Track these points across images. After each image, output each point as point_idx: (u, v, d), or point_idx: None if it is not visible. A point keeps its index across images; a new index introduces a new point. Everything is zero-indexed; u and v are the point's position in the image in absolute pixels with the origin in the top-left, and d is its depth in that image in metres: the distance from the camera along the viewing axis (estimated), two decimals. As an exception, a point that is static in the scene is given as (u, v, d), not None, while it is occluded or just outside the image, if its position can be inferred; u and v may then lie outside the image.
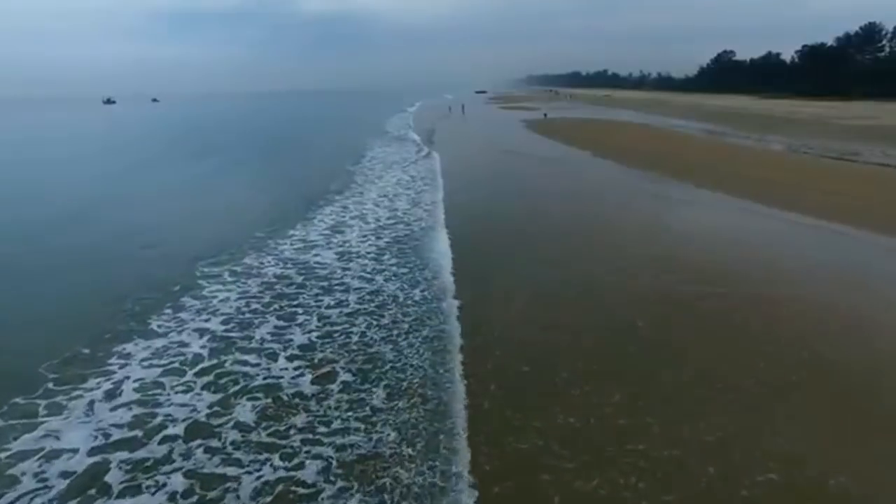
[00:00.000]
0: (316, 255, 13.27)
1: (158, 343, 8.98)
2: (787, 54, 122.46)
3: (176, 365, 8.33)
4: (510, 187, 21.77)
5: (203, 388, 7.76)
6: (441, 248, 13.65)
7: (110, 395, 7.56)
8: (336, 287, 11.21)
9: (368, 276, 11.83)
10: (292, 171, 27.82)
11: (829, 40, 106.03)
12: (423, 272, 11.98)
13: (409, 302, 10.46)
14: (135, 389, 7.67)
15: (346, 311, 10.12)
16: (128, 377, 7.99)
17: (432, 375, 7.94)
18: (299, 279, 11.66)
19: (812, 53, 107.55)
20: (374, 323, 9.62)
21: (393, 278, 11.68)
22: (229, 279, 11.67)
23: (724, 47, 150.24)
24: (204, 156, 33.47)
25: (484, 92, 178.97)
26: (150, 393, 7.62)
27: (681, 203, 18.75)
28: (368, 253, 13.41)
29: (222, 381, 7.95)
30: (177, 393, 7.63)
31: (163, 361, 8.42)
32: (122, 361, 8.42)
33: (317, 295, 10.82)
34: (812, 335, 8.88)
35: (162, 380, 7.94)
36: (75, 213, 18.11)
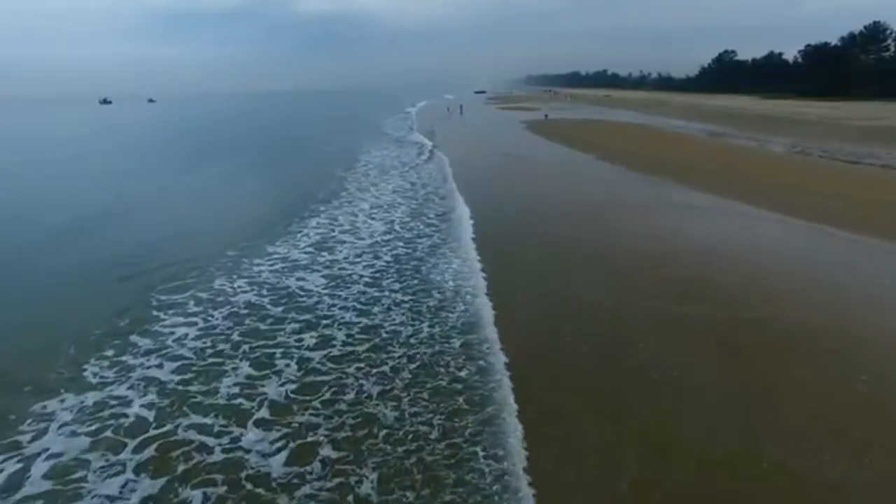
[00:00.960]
0: (299, 278, 11.38)
1: (91, 399, 7.14)
2: (789, 54, 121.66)
3: (109, 433, 6.49)
4: (509, 195, 19.97)
5: (140, 469, 5.94)
6: (454, 268, 11.83)
7: (11, 483, 5.72)
8: (322, 321, 9.35)
9: (362, 306, 9.96)
10: (278, 177, 25.67)
11: (829, 40, 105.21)
12: (428, 299, 10.18)
13: (415, 341, 8.64)
14: (45, 475, 5.82)
15: (333, 353, 8.31)
16: (42, 452, 6.16)
17: (443, 452, 6.12)
18: (277, 310, 9.80)
19: (815, 53, 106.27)
20: (370, 371, 7.81)
21: (393, 308, 9.86)
22: (193, 309, 9.80)
23: (723, 47, 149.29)
24: (186, 161, 31.63)
25: (483, 92, 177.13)
26: (65, 479, 5.78)
27: (701, 212, 16.90)
28: (362, 277, 11.51)
29: (168, 457, 6.13)
30: (103, 479, 5.80)
31: (92, 428, 6.58)
32: (39, 427, 6.59)
33: (298, 331, 8.97)
34: None
35: (87, 457, 6.11)
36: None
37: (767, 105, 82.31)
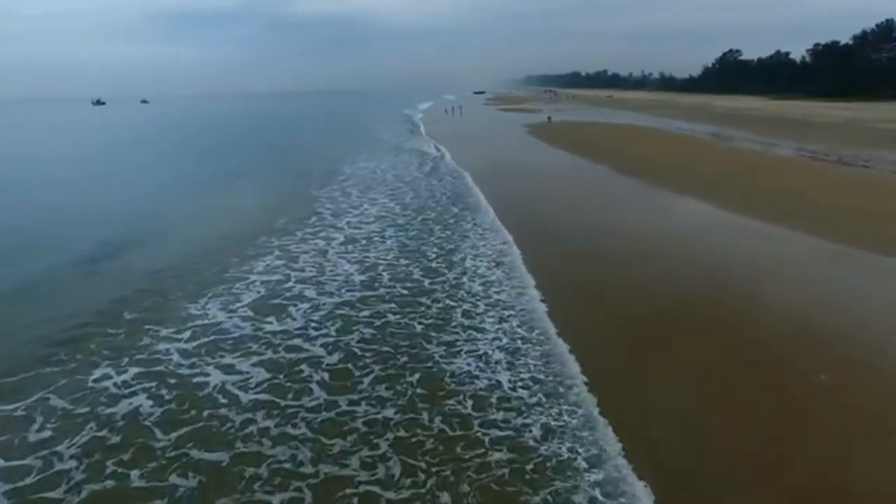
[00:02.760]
0: (223, 368, 7.75)
1: None
2: (796, 54, 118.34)
3: None
4: (523, 221, 16.52)
5: None
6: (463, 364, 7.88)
7: None
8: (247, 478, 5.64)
9: (320, 438, 6.18)
10: (235, 196, 21.39)
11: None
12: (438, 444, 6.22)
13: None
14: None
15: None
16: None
17: None
18: (165, 440, 6.12)
19: (824, 52, 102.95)
20: None
21: (380, 462, 5.92)
22: (32, 437, 6.25)
23: (725, 46, 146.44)
24: (132, 169, 28.35)
25: (482, 92, 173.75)
26: None
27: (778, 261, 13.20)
28: (320, 366, 7.82)
29: None
30: None
31: None
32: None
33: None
34: None
35: None
36: None
37: (780, 106, 78.78)
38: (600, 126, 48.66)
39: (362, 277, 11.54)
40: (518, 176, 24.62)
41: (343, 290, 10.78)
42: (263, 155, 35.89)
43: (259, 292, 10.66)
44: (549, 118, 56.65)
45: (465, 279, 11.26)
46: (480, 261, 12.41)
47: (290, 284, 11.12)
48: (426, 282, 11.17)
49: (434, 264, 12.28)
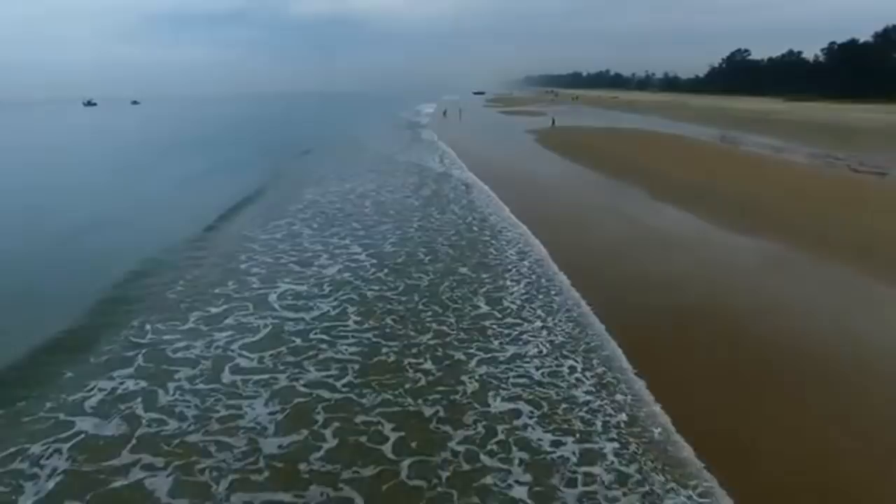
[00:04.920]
0: None
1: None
2: (809, 53, 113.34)
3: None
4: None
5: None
6: None
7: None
8: None
9: None
10: (148, 230, 15.71)
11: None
12: None
13: None
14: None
15: None
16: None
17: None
18: None
19: (841, 51, 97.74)
20: None
21: None
22: None
23: (726, 47, 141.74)
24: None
25: (482, 93, 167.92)
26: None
27: None
28: None
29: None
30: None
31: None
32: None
33: None
34: None
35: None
36: None
37: (805, 109, 73.04)
38: (618, 134, 43.03)
39: (303, 381, 6.21)
40: (537, 202, 19.00)
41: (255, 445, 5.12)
42: (219, 168, 28.16)
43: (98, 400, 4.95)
44: (553, 122, 51.01)
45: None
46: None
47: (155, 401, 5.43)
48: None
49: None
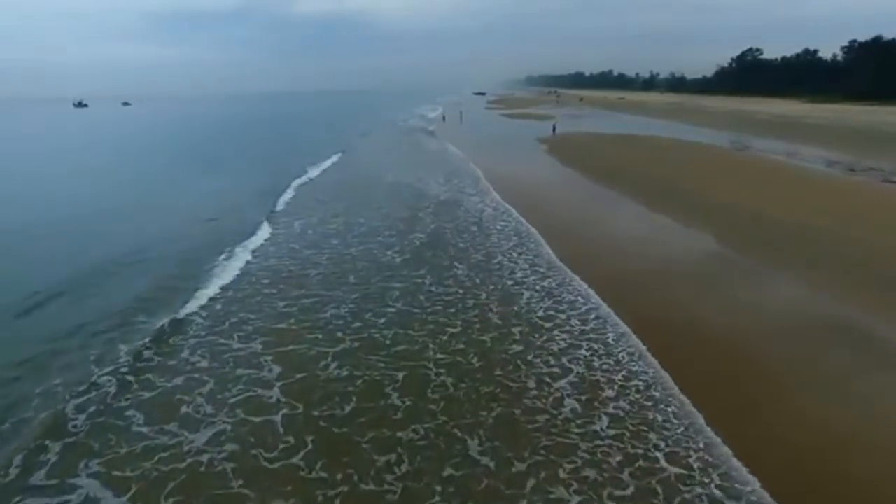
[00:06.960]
0: None
1: None
2: (825, 52, 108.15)
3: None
4: None
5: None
6: None
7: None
8: None
9: None
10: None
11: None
12: None
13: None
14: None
15: None
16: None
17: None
18: None
19: (863, 50, 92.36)
20: None
21: None
22: None
23: (730, 47, 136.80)
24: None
25: (483, 94, 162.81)
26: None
27: None
28: None
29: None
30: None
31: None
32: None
33: None
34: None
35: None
36: None
37: (834, 112, 67.17)
38: (639, 142, 37.66)
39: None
40: (585, 257, 13.67)
41: None
42: (186, 185, 23.70)
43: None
44: (554, 128, 45.60)
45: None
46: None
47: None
48: None
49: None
